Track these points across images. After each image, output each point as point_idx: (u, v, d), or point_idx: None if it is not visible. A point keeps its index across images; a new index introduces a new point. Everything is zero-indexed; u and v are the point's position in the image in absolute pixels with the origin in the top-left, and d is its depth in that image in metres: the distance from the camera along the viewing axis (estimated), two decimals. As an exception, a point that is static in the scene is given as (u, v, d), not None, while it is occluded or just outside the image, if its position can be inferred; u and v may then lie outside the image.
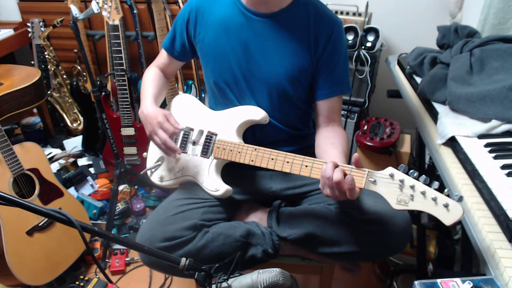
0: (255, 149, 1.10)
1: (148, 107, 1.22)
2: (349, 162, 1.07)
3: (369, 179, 0.91)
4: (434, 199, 0.83)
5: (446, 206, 0.81)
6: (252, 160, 1.10)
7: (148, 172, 1.33)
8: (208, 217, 1.15)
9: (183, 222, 1.11)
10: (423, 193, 0.84)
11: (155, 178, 1.32)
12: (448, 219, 0.81)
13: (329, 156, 1.10)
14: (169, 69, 1.40)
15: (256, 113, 1.16)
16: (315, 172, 0.99)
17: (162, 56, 1.37)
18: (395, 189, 0.88)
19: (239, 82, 1.20)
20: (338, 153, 1.10)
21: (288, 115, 1.23)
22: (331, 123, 1.22)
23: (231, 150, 1.14)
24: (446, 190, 0.83)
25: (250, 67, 1.18)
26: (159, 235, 1.09)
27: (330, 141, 1.17)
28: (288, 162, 1.04)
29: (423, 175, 0.85)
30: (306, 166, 1.00)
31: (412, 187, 0.86)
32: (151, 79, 1.34)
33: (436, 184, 0.84)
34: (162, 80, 1.37)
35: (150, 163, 1.34)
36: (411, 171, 0.87)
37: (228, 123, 1.19)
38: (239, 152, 1.13)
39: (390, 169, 0.89)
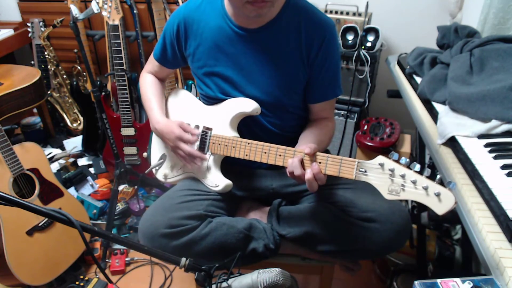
0: (249, 143, 1.11)
1: (160, 121, 1.23)
2: (324, 148, 1.21)
3: (360, 170, 0.91)
4: (425, 188, 0.81)
5: (437, 195, 0.80)
6: (247, 155, 1.11)
7: (153, 170, 1.34)
8: (211, 210, 1.16)
9: (187, 211, 1.12)
10: (414, 182, 0.83)
11: (160, 176, 1.34)
12: (440, 208, 0.80)
13: (301, 138, 1.17)
14: (162, 75, 1.40)
15: (246, 105, 1.16)
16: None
17: (154, 64, 1.36)
18: (386, 179, 0.87)
19: (232, 94, 1.20)
20: (310, 135, 1.17)
21: (284, 121, 1.23)
22: (321, 119, 1.25)
23: (226, 145, 1.15)
24: (438, 177, 0.81)
25: (243, 80, 1.18)
26: (163, 221, 1.09)
27: (310, 129, 1.22)
28: (280, 155, 1.05)
29: (415, 162, 0.84)
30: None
31: (403, 176, 0.84)
32: (150, 88, 1.33)
33: (428, 171, 0.82)
34: (159, 86, 1.37)
35: (153, 161, 1.36)
36: (402, 158, 0.85)
37: (221, 117, 1.19)
38: (233, 147, 1.13)
39: (380, 158, 0.88)
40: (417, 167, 0.83)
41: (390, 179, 0.86)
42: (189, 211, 1.12)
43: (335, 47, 1.17)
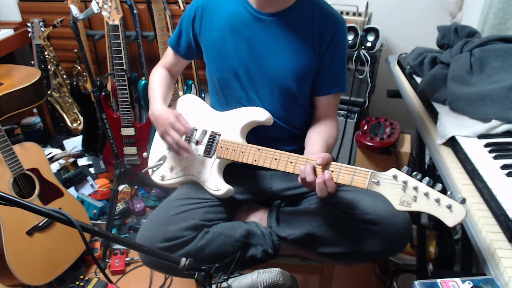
0: (259, 149, 1.10)
1: (159, 108, 1.23)
2: (331, 152, 1.18)
3: (372, 180, 0.92)
4: (437, 200, 0.83)
5: (449, 207, 0.81)
6: (255, 160, 1.10)
7: (150, 171, 1.33)
8: (209, 217, 1.15)
9: (183, 222, 1.11)
10: (426, 194, 0.84)
11: (156, 177, 1.32)
12: (451, 220, 0.82)
13: (309, 142, 1.16)
14: (175, 68, 1.40)
15: (260, 115, 1.16)
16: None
17: (168, 55, 1.38)
18: (398, 190, 0.88)
19: (243, 79, 1.20)
20: (319, 139, 1.16)
21: (291, 114, 1.23)
22: (325, 117, 1.25)
23: (234, 150, 1.14)
24: (449, 193, 0.83)
25: (255, 65, 1.18)
26: (159, 235, 1.09)
27: (317, 130, 1.21)
28: (291, 162, 1.04)
29: (427, 177, 0.85)
30: None
31: (415, 188, 0.86)
32: (158, 80, 1.34)
33: (439, 186, 0.84)
34: (169, 80, 1.37)
35: (152, 161, 1.35)
36: (414, 172, 0.87)
37: (232, 123, 1.19)
38: (242, 152, 1.13)
39: (393, 171, 0.90)
40: (429, 181, 0.85)
41: (402, 190, 0.88)
42: (185, 222, 1.11)
43: (345, 43, 1.20)
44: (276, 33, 1.16)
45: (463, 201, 0.80)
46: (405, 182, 0.87)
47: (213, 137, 1.20)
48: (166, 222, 1.12)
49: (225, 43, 1.20)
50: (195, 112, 1.31)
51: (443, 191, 0.84)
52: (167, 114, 1.19)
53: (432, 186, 0.85)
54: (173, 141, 1.17)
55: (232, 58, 1.20)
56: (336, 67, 1.19)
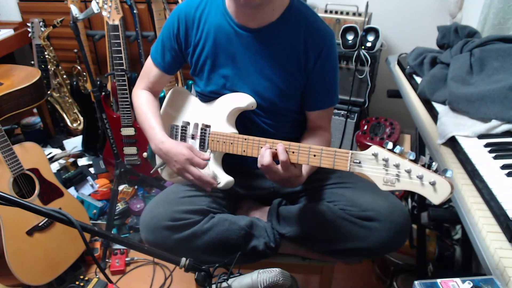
0: (245, 139, 1.10)
1: (165, 142, 1.19)
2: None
3: (354, 161, 0.89)
4: (420, 178, 0.78)
5: (433, 184, 0.77)
6: (244, 151, 1.10)
7: (159, 170, 1.35)
8: (214, 206, 1.17)
9: (190, 206, 1.12)
10: (409, 172, 0.80)
11: (165, 176, 1.35)
12: (436, 198, 0.77)
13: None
14: (157, 87, 1.34)
15: (242, 100, 1.16)
16: (302, 158, 0.99)
17: (151, 73, 1.30)
18: (380, 170, 0.84)
19: (228, 93, 1.20)
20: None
21: (280, 125, 1.23)
22: (317, 129, 1.25)
23: (224, 142, 1.15)
24: (434, 164, 0.78)
25: (240, 80, 1.18)
26: (166, 214, 1.10)
27: (305, 141, 1.21)
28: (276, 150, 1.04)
29: (410, 151, 0.81)
30: (293, 152, 1.00)
31: (397, 166, 0.81)
32: (147, 106, 1.27)
33: (423, 159, 0.79)
34: (156, 104, 1.32)
35: (158, 160, 1.36)
36: (396, 147, 0.82)
37: (218, 113, 1.20)
38: (231, 144, 1.13)
39: (373, 148, 0.86)
40: (412, 155, 0.80)
41: (384, 169, 0.84)
42: (192, 206, 1.12)
43: (333, 57, 1.18)
44: (259, 49, 1.14)
45: (449, 174, 0.76)
46: (386, 160, 0.83)
47: (204, 130, 1.21)
48: (174, 202, 1.13)
49: (210, 58, 1.18)
50: (186, 105, 1.31)
51: (429, 164, 0.79)
52: (179, 148, 1.15)
53: (416, 160, 0.79)
54: (196, 178, 1.15)
55: (218, 73, 1.19)
56: (325, 82, 1.18)
